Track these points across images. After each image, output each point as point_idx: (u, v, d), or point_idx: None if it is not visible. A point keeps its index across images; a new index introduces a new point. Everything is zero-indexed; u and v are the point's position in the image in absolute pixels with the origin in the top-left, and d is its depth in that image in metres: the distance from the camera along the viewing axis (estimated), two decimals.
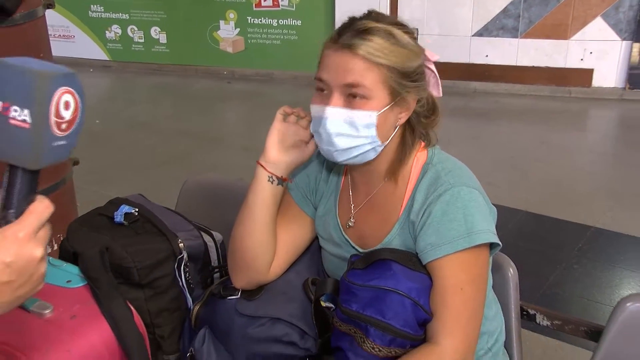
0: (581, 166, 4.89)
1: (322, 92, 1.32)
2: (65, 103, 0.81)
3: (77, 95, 0.84)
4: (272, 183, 1.41)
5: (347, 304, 1.28)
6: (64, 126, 0.82)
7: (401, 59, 1.29)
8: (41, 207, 0.85)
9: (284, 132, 1.42)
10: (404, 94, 1.30)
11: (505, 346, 1.53)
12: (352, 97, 1.27)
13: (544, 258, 3.45)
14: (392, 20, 1.33)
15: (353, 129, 1.28)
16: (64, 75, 0.82)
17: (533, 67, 6.66)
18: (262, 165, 1.42)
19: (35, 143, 0.80)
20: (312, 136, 1.40)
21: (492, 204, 1.39)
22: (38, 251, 0.84)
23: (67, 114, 0.82)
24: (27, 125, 0.78)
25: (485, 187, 1.38)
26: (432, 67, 1.38)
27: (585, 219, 3.87)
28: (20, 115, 0.78)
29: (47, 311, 1.35)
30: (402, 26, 1.33)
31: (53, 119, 0.80)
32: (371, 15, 1.32)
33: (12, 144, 0.80)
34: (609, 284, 3.26)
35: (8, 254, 0.81)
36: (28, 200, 0.84)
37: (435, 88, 1.40)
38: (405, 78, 1.30)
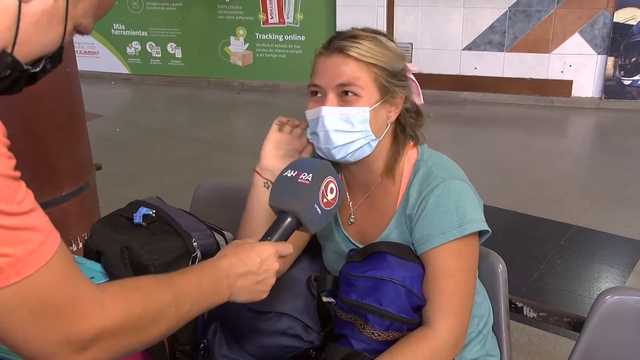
0: (562, 169, 4.87)
1: (316, 95, 1.32)
2: (330, 188, 1.15)
3: (337, 188, 1.16)
4: (267, 188, 1.39)
5: (347, 294, 1.27)
6: (324, 201, 1.13)
7: (388, 59, 1.30)
8: (287, 246, 1.13)
9: (279, 141, 1.42)
10: (392, 92, 1.31)
11: (494, 332, 1.52)
12: (345, 95, 1.28)
13: (530, 254, 3.43)
14: (375, 30, 1.35)
15: (349, 125, 1.28)
16: (334, 170, 1.18)
17: (517, 78, 6.65)
18: (257, 172, 1.40)
19: (306, 195, 1.11)
20: (305, 145, 1.41)
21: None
22: (276, 265, 1.10)
23: (329, 196, 1.14)
24: (307, 182, 1.12)
25: (475, 187, 1.37)
26: (413, 77, 1.38)
27: (567, 218, 3.85)
28: (305, 176, 1.13)
29: None
30: (384, 35, 1.34)
31: (322, 190, 1.13)
32: (355, 28, 1.34)
33: (293, 194, 1.11)
34: (588, 277, 3.24)
35: (264, 254, 1.07)
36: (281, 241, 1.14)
37: (417, 96, 1.40)
38: (392, 77, 1.31)
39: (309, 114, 1.33)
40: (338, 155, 1.32)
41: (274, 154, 1.41)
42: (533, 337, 2.65)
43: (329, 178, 1.14)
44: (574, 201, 4.15)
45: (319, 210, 1.11)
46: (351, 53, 1.26)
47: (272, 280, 1.09)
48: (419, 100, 1.40)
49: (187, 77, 8.18)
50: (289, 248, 1.12)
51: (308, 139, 1.38)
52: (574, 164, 5.08)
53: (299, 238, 1.49)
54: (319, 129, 1.30)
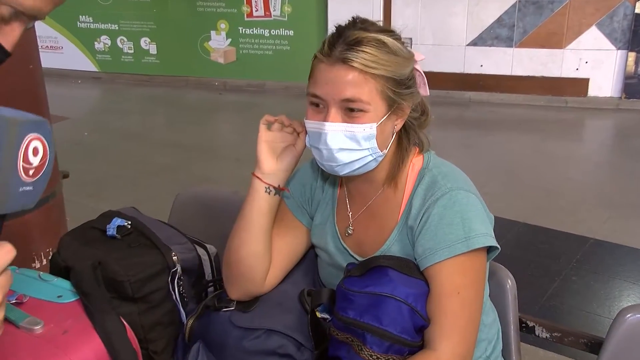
0: (578, 176, 4.91)
1: (317, 107, 1.32)
2: (34, 149, 0.82)
3: (46, 143, 0.84)
4: (269, 194, 1.43)
5: (344, 311, 1.28)
6: (31, 172, 0.83)
7: (395, 67, 1.30)
8: (2, 253, 0.79)
9: (272, 141, 1.43)
10: (399, 102, 1.32)
11: (503, 356, 1.54)
12: (350, 110, 1.28)
13: (542, 270, 3.45)
14: (379, 27, 1.34)
15: (354, 143, 1.29)
16: (35, 122, 0.83)
17: (528, 76, 6.72)
18: (258, 178, 1.42)
19: (1, 187, 0.80)
20: (303, 142, 1.41)
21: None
22: None
23: (35, 160, 0.83)
24: None
25: (481, 197, 1.39)
26: (419, 67, 1.39)
27: (583, 230, 3.88)
28: None
29: (37, 327, 1.35)
30: (390, 32, 1.34)
31: (21, 164, 0.81)
32: (357, 24, 1.32)
33: None
34: (608, 295, 3.26)
35: None
36: None
37: (423, 87, 1.41)
38: (400, 86, 1.31)
39: (310, 125, 1.33)
40: (342, 172, 1.34)
41: (271, 156, 1.43)
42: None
43: (27, 138, 0.83)
44: (591, 212, 4.19)
45: (27, 188, 0.85)
46: (355, 64, 1.26)
47: None
48: (424, 91, 1.41)
49: (163, 76, 8.19)
50: (2, 253, 0.79)
51: (307, 145, 1.39)
52: (590, 170, 5.13)
53: (292, 249, 1.52)
54: (322, 145, 1.31)
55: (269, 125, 1.44)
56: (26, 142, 0.81)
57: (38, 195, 0.85)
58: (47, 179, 0.86)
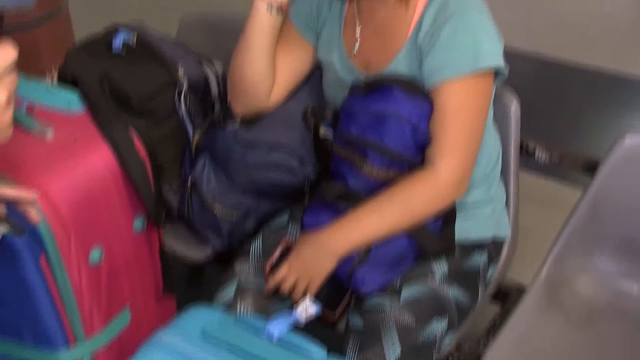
0: (603, 8, 4.74)
1: None
2: None
3: None
4: (270, 13, 1.40)
5: (347, 128, 1.33)
6: None
7: None
8: (4, 53, 0.81)
9: None
10: None
11: (502, 175, 1.59)
12: None
13: (553, 103, 3.44)
14: None
15: None
16: None
17: None
18: None
19: None
20: None
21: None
22: (2, 96, 0.81)
23: None
24: None
25: (497, 27, 1.37)
26: None
27: (600, 63, 3.83)
28: None
29: (49, 134, 1.39)
30: None
31: None
32: None
33: None
34: (620, 125, 3.25)
35: None
36: None
37: None
38: None
39: None
40: None
41: None
42: (547, 188, 2.73)
43: None
44: (613, 45, 4.08)
45: None
46: None
47: (4, 120, 0.84)
48: None
49: None
50: (5, 53, 0.82)
51: None
52: (615, 2, 4.94)
53: (297, 67, 1.52)
54: None
55: None
56: None
57: None
58: None
